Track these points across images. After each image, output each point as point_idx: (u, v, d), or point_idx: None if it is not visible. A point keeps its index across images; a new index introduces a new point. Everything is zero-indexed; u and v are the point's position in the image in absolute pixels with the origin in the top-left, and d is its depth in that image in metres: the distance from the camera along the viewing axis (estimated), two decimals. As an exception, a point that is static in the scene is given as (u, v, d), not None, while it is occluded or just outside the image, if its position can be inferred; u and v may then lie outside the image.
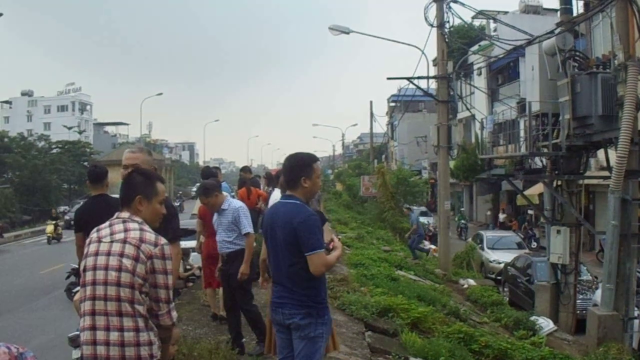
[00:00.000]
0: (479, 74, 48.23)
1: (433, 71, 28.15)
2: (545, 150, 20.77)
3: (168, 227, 6.22)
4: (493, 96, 46.87)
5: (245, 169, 18.08)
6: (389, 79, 78.75)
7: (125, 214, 4.73)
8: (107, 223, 4.74)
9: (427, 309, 13.66)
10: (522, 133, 21.96)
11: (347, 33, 29.34)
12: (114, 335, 4.45)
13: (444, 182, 26.78)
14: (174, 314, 4.78)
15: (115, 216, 4.76)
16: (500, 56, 32.33)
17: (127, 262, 4.51)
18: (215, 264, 10.76)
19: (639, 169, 17.10)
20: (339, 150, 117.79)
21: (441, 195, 26.77)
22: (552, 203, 21.74)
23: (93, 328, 4.48)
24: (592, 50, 22.11)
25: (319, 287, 5.94)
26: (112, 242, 4.58)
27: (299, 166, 6.14)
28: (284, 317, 6.01)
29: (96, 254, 4.57)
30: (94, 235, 4.70)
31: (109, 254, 4.54)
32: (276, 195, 9.36)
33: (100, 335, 4.46)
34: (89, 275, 4.55)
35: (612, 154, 17.52)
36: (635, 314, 17.06)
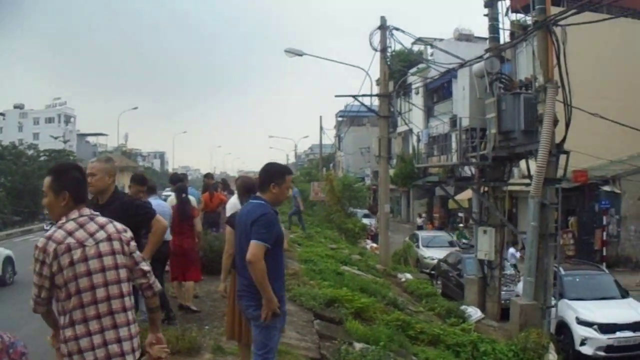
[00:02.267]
0: (417, 93, 48.55)
1: (376, 90, 28.23)
2: (474, 160, 20.92)
3: (140, 213, 6.53)
4: (429, 112, 47.24)
5: (209, 176, 18.11)
6: (337, 96, 77.86)
7: (86, 211, 4.41)
8: (73, 225, 4.28)
9: (369, 300, 13.67)
10: (453, 145, 22.09)
11: (301, 55, 29.32)
12: (124, 331, 4.27)
13: (384, 187, 26.84)
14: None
15: (78, 215, 4.35)
16: (436, 77, 32.59)
17: (120, 259, 4.35)
18: (182, 259, 10.75)
19: (555, 177, 17.43)
20: (292, 160, 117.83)
21: (381, 199, 26.84)
22: (480, 207, 21.94)
23: (101, 330, 4.18)
24: (517, 73, 22.41)
25: (272, 281, 5.83)
26: (97, 243, 4.27)
27: (273, 173, 6.20)
28: (243, 308, 6.20)
29: (85, 259, 4.20)
30: (69, 241, 4.20)
31: (100, 255, 4.26)
32: (233, 200, 9.34)
33: (110, 334, 4.20)
34: (84, 282, 4.18)
35: (533, 164, 17.72)
36: (552, 303, 17.27)
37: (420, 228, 43.28)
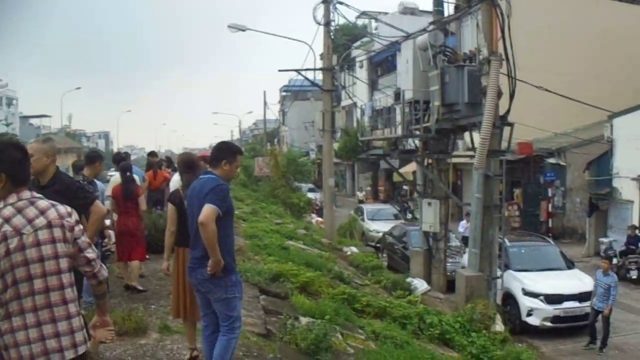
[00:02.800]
0: (361, 67, 48.61)
1: (320, 64, 28.07)
2: (418, 132, 20.90)
3: (79, 197, 6.28)
4: (373, 86, 47.23)
5: (152, 154, 17.81)
6: (280, 71, 78.20)
7: (26, 194, 4.02)
8: (10, 210, 3.91)
9: (314, 274, 13.57)
10: (397, 118, 22.08)
11: (244, 30, 29.03)
12: (62, 325, 3.93)
13: (328, 161, 26.74)
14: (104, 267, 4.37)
15: (16, 199, 3.97)
16: (380, 51, 32.55)
17: (61, 248, 3.98)
18: (128, 239, 10.58)
19: (499, 149, 17.53)
20: (236, 136, 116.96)
21: (326, 173, 26.73)
22: (424, 179, 21.99)
23: (38, 324, 3.85)
24: (461, 46, 22.42)
25: (223, 253, 6.01)
26: (35, 231, 3.90)
27: (225, 151, 6.49)
28: (197, 281, 6.28)
29: (23, 248, 3.85)
30: (5, 229, 3.84)
31: (38, 244, 3.89)
32: (176, 177, 9.26)
33: (48, 329, 3.88)
34: (21, 273, 3.84)
35: (477, 136, 17.77)
36: (498, 274, 17.42)
37: (361, 202, 43.33)
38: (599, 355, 15.39)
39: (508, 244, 19.12)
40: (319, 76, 28.10)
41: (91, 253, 4.23)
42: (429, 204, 20.54)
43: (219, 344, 6.20)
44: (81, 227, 4.24)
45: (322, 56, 27.99)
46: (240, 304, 6.45)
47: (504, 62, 16.90)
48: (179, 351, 7.58)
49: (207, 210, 5.90)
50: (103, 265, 4.37)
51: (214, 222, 5.90)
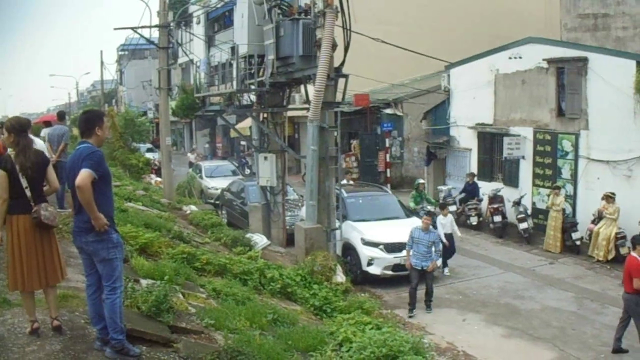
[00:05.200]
0: (198, 23, 47.72)
1: (157, 22, 27.27)
2: (253, 87, 20.72)
3: None
4: (210, 42, 46.42)
5: None
6: (115, 29, 75.86)
7: None
8: None
9: (153, 235, 13.24)
10: (234, 73, 21.74)
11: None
12: None
13: (165, 120, 26.28)
14: None
15: None
16: (216, 7, 32.04)
17: None
18: None
19: (334, 101, 17.56)
20: (74, 98, 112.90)
21: (162, 132, 26.24)
22: (260, 133, 21.94)
23: None
24: (297, 0, 22.24)
25: (103, 214, 6.51)
26: None
27: (94, 119, 6.93)
28: (82, 244, 6.70)
29: None
30: None
31: None
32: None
33: None
34: None
35: (312, 89, 17.71)
36: (336, 225, 17.58)
37: (191, 165, 42.84)
38: (428, 312, 15.55)
39: (345, 194, 19.35)
40: (156, 34, 27.35)
41: None
42: (265, 158, 20.46)
43: (107, 308, 6.63)
44: None
45: (159, 13, 27.20)
46: (121, 264, 6.86)
47: (339, 14, 16.89)
48: (20, 324, 7.34)
49: (83, 174, 6.31)
50: None
51: (90, 185, 6.32)
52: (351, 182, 25.74)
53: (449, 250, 18.11)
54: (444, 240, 17.41)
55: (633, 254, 12.51)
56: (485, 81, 24.84)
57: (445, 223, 18.16)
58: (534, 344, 13.48)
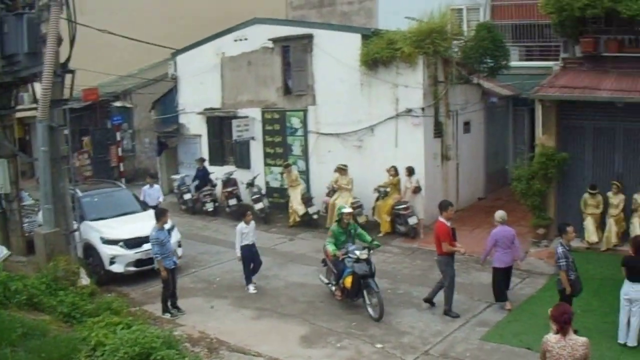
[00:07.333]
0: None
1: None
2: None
3: None
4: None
5: None
6: None
7: None
8: None
9: None
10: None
11: None
12: None
13: None
14: None
15: None
16: None
17: None
18: None
19: (62, 98, 16.90)
20: None
21: None
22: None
23: None
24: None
25: None
26: None
27: None
28: None
29: None
30: None
31: None
32: None
33: None
34: None
35: (39, 87, 16.96)
36: (75, 227, 17.05)
37: None
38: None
39: (80, 194, 19.05)
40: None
41: None
42: (-6, 164, 19.31)
43: None
44: None
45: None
46: None
47: (64, 7, 16.29)
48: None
49: None
50: None
51: None
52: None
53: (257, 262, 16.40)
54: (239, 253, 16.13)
55: (441, 219, 13.35)
56: (211, 65, 25.15)
57: (249, 232, 16.22)
58: (285, 322, 13.90)
